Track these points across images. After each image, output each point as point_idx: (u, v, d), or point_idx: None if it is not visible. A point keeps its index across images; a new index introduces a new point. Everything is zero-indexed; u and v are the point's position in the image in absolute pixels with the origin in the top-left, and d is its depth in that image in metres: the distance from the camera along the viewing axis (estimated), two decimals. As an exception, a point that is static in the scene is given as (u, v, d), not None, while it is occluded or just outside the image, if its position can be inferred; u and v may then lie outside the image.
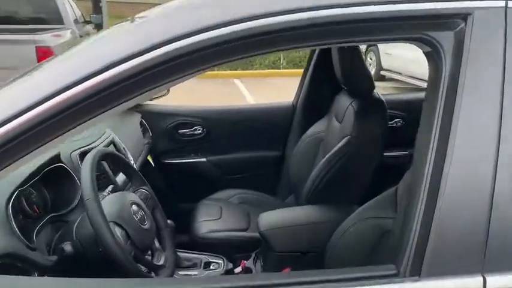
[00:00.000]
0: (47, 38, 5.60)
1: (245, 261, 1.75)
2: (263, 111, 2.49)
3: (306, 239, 1.60)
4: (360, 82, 1.78)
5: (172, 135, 2.37)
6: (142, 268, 1.15)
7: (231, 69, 8.81)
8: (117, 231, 1.11)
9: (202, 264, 1.71)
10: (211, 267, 1.70)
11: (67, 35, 6.10)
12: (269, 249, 1.60)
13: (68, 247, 1.09)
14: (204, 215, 2.02)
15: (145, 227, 1.21)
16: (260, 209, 2.15)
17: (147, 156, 2.19)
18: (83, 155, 1.48)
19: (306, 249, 1.58)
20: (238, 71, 9.08)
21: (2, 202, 1.04)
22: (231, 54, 0.79)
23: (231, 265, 1.72)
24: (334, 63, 1.90)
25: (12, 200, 1.08)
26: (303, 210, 1.73)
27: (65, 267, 1.13)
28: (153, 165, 2.27)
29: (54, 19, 6.38)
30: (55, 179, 1.28)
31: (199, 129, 2.38)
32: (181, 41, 0.74)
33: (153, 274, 1.19)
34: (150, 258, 1.23)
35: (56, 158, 1.30)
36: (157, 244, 1.31)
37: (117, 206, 1.17)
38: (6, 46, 5.40)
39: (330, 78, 2.10)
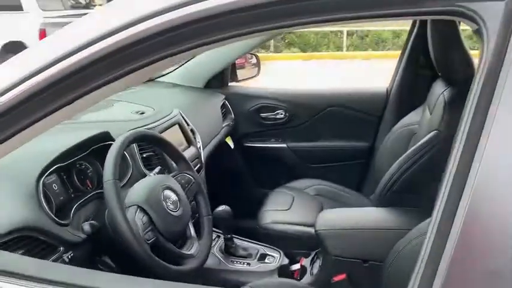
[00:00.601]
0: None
1: (304, 259, 1.63)
2: (353, 97, 2.27)
3: (369, 246, 1.41)
4: (454, 68, 1.49)
5: (254, 118, 2.30)
6: (166, 255, 1.12)
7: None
8: (139, 215, 1.09)
9: (258, 256, 1.64)
10: (265, 260, 1.63)
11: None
12: (325, 252, 1.45)
13: (86, 227, 1.11)
14: (273, 204, 1.93)
15: (176, 213, 1.17)
16: (337, 203, 1.99)
17: (225, 138, 2.17)
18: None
19: (367, 257, 1.39)
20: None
21: (34, 176, 1.09)
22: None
23: (286, 261, 1.62)
24: (430, 45, 1.62)
25: (47, 175, 1.13)
26: (370, 213, 1.53)
27: (92, 247, 1.16)
28: (232, 147, 2.24)
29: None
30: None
31: (281, 114, 2.28)
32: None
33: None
34: (179, 246, 1.20)
35: (107, 136, 1.33)
36: (192, 232, 1.27)
37: (146, 190, 1.15)
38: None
39: (428, 64, 1.81)
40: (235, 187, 2.25)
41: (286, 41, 12.75)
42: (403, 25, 8.34)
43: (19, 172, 1.10)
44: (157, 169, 1.36)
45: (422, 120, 1.79)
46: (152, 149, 1.47)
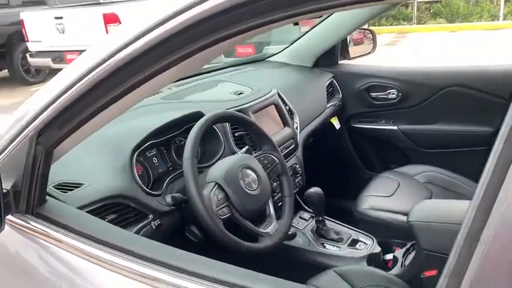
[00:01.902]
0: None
1: (399, 249, 1.54)
2: (477, 76, 2.00)
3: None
4: None
5: (364, 98, 2.20)
6: (241, 232, 1.17)
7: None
8: (216, 192, 1.16)
9: (349, 241, 1.60)
10: (356, 246, 1.58)
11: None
12: (417, 245, 1.34)
13: (168, 199, 1.21)
14: (374, 189, 1.84)
15: (253, 192, 1.21)
16: (449, 194, 1.82)
17: (329, 118, 2.12)
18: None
19: (464, 255, 1.25)
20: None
21: (129, 150, 1.23)
22: None
23: (378, 249, 1.55)
24: None
25: (143, 148, 1.26)
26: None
27: (180, 216, 1.26)
28: (337, 128, 2.19)
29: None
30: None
31: (393, 93, 2.13)
32: None
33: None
34: (256, 224, 1.23)
35: (200, 115, 1.42)
36: (271, 211, 1.30)
37: (225, 168, 1.20)
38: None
39: None
40: (338, 168, 2.21)
41: (432, 11, 11.71)
42: None
43: (118, 145, 1.26)
44: (244, 149, 1.41)
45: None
46: (244, 128, 1.53)
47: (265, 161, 1.34)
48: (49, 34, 6.53)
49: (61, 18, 6.41)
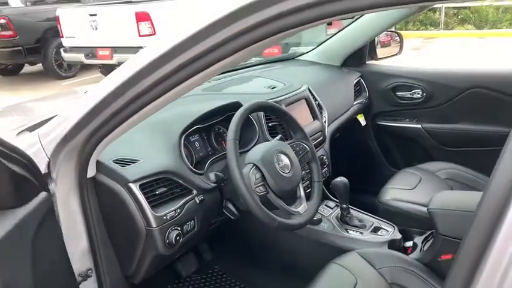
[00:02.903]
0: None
1: (418, 237, 1.64)
2: (500, 78, 2.08)
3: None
4: None
5: (390, 97, 2.31)
6: (274, 208, 1.29)
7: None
8: (254, 172, 1.29)
9: (371, 228, 1.71)
10: (378, 232, 1.68)
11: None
12: (436, 231, 1.44)
13: (212, 176, 1.34)
14: (397, 182, 1.94)
15: (287, 174, 1.33)
16: (468, 189, 1.90)
17: (356, 115, 2.24)
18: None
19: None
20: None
21: (177, 133, 1.38)
22: None
23: (399, 236, 1.65)
24: None
25: (188, 132, 1.41)
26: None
27: (219, 194, 1.40)
28: (363, 124, 2.30)
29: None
30: None
31: (418, 93, 2.23)
32: None
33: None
34: (288, 203, 1.35)
35: (238, 105, 1.56)
36: (302, 193, 1.42)
37: (262, 152, 1.33)
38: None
39: None
40: (362, 163, 2.31)
41: (460, 17, 11.62)
42: None
43: (167, 129, 1.40)
44: (278, 137, 1.54)
45: None
46: (277, 119, 1.66)
47: (297, 148, 1.47)
48: (83, 30, 6.80)
49: (95, 15, 6.66)
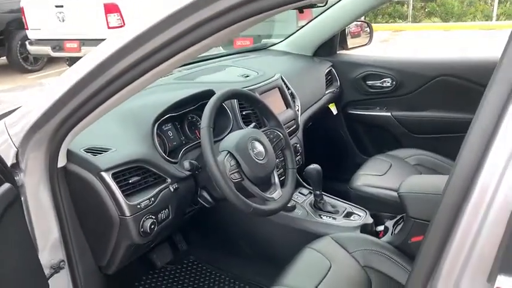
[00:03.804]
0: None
1: (389, 221, 1.69)
2: (466, 66, 2.15)
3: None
4: None
5: (360, 86, 2.35)
6: (249, 195, 1.30)
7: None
8: (228, 159, 1.29)
9: (344, 213, 1.74)
10: (351, 217, 1.72)
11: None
12: (406, 214, 1.49)
13: (186, 164, 1.34)
14: (368, 168, 1.99)
15: (261, 161, 1.34)
16: (436, 174, 1.96)
17: (327, 104, 2.26)
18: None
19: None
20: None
21: (150, 121, 1.36)
22: None
23: (371, 220, 1.69)
24: None
25: (161, 121, 1.39)
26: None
27: (194, 182, 1.40)
28: (334, 113, 2.33)
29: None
30: None
31: (388, 82, 2.28)
32: None
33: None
34: (262, 190, 1.37)
35: (211, 93, 1.56)
36: (276, 180, 1.43)
37: (236, 139, 1.34)
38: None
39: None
40: (334, 151, 2.35)
41: (427, 10, 11.89)
42: None
43: (140, 117, 1.39)
44: (252, 125, 1.54)
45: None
46: (251, 107, 1.66)
47: (271, 136, 1.48)
48: (49, 22, 6.59)
49: (61, 6, 6.47)
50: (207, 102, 1.52)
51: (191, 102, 1.53)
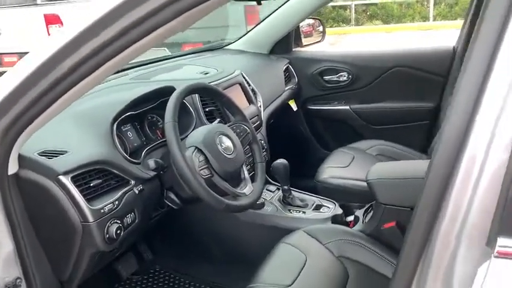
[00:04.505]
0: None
1: (358, 210, 1.68)
2: (418, 57, 2.22)
3: (415, 194, 1.42)
4: None
5: (318, 81, 2.36)
6: (220, 191, 1.25)
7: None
8: (196, 155, 1.24)
9: (313, 206, 1.72)
10: (320, 210, 1.71)
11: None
12: (376, 201, 1.49)
13: (151, 163, 1.27)
14: (332, 161, 1.99)
15: (230, 156, 1.30)
16: (398, 163, 2.00)
17: (287, 100, 2.26)
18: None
19: (414, 205, 1.41)
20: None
21: (109, 120, 1.28)
22: None
23: (340, 211, 1.69)
24: None
25: (120, 121, 1.31)
26: (422, 164, 1.53)
27: (159, 183, 1.33)
28: (295, 110, 2.33)
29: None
30: None
31: (344, 76, 2.31)
32: None
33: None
34: (233, 185, 1.32)
35: (173, 90, 1.49)
36: (246, 175, 1.39)
37: (203, 134, 1.28)
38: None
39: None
40: (297, 147, 2.34)
41: (368, 13, 12.33)
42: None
43: (97, 117, 1.30)
44: (217, 120, 1.49)
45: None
46: (214, 104, 1.62)
47: (238, 130, 1.43)
48: (-17, 36, 6.22)
49: (-5, 19, 6.13)
50: (167, 99, 1.45)
51: (151, 100, 1.46)
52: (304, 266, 1.33)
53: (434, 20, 11.29)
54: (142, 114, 1.45)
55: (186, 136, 1.38)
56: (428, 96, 2.17)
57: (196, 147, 1.25)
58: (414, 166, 1.55)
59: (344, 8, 12.34)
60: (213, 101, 1.62)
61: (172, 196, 1.36)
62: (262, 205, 1.71)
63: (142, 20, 0.77)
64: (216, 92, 1.44)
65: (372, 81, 2.26)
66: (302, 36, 2.50)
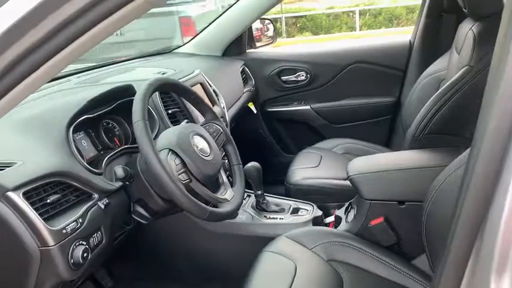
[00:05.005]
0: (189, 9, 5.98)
1: (337, 210, 1.60)
2: (375, 52, 2.21)
3: (404, 186, 1.36)
4: (482, 2, 1.42)
5: (275, 82, 2.27)
6: (200, 198, 1.10)
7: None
8: (172, 157, 1.07)
9: (290, 210, 1.61)
10: (299, 213, 1.60)
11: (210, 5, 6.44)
12: (360, 197, 1.41)
13: (119, 170, 1.09)
14: (301, 163, 1.90)
15: (208, 158, 1.15)
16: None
17: (247, 103, 2.14)
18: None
19: (403, 198, 1.34)
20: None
21: (63, 125, 1.09)
22: None
23: (320, 212, 1.59)
24: None
25: (76, 131, 1.12)
26: (403, 155, 1.48)
27: (127, 196, 1.15)
28: (255, 112, 2.21)
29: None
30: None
31: (302, 75, 2.24)
32: None
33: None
34: (212, 191, 1.17)
35: (131, 90, 1.32)
36: (224, 178, 1.25)
37: (176, 135, 1.12)
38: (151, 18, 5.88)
39: (453, 6, 1.74)
40: (259, 152, 2.23)
41: (298, 25, 12.64)
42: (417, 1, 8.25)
43: (48, 122, 1.10)
44: (184, 122, 1.33)
45: (450, 65, 1.73)
46: (177, 106, 1.46)
47: (211, 130, 1.28)
48: None
49: None
50: (126, 101, 1.28)
51: (107, 103, 1.27)
52: (295, 274, 1.21)
53: (360, 29, 11.82)
54: (97, 120, 1.26)
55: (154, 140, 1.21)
56: (388, 91, 2.15)
57: (170, 150, 1.09)
58: (394, 158, 1.49)
59: (275, 20, 12.56)
60: (175, 102, 1.46)
61: (141, 210, 1.18)
62: (236, 214, 1.57)
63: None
64: (185, 89, 1.28)
65: (331, 78, 2.21)
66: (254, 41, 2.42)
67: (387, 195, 1.37)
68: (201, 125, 1.29)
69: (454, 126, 1.44)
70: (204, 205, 1.05)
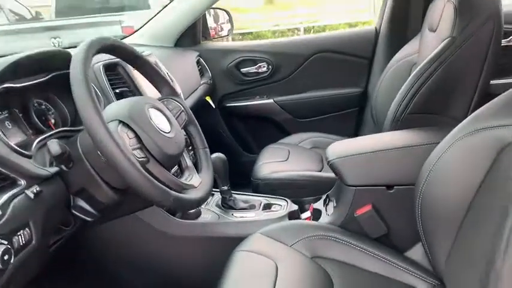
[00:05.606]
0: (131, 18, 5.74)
1: (314, 204, 1.41)
2: (340, 40, 2.09)
3: (392, 169, 1.20)
4: None
5: (235, 75, 2.08)
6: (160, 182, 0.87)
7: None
8: (123, 129, 0.84)
9: (262, 206, 1.41)
10: (272, 208, 1.40)
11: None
12: (342, 184, 1.24)
13: (53, 146, 0.84)
14: (267, 158, 1.71)
15: (169, 135, 0.93)
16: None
17: (203, 97, 1.93)
18: (108, 67, 1.25)
19: (392, 182, 1.19)
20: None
21: None
22: None
23: (295, 207, 1.40)
24: None
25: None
26: (386, 136, 1.33)
27: (64, 186, 0.90)
28: (214, 107, 2.01)
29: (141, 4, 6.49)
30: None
31: (264, 66, 2.07)
32: None
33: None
34: (174, 175, 0.95)
35: (67, 55, 1.07)
36: (189, 163, 1.04)
37: (128, 105, 0.90)
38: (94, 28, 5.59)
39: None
40: (220, 148, 2.02)
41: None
42: (358, 17, 8.49)
43: None
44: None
45: (422, 46, 1.63)
46: (126, 84, 1.23)
47: (170, 107, 1.06)
48: None
49: None
50: (62, 74, 1.04)
51: (38, 72, 1.01)
52: (277, 275, 1.01)
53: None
54: (26, 98, 1.00)
55: None
56: (355, 82, 2.03)
57: (120, 121, 0.86)
58: (378, 139, 1.33)
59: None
60: (123, 81, 1.23)
61: (83, 204, 0.94)
62: (199, 213, 1.35)
63: None
64: (135, 54, 1.04)
65: (295, 70, 2.06)
66: (212, 31, 2.22)
67: (374, 179, 1.20)
68: (160, 100, 1.06)
69: (438, 104, 1.32)
70: (167, 189, 0.82)
